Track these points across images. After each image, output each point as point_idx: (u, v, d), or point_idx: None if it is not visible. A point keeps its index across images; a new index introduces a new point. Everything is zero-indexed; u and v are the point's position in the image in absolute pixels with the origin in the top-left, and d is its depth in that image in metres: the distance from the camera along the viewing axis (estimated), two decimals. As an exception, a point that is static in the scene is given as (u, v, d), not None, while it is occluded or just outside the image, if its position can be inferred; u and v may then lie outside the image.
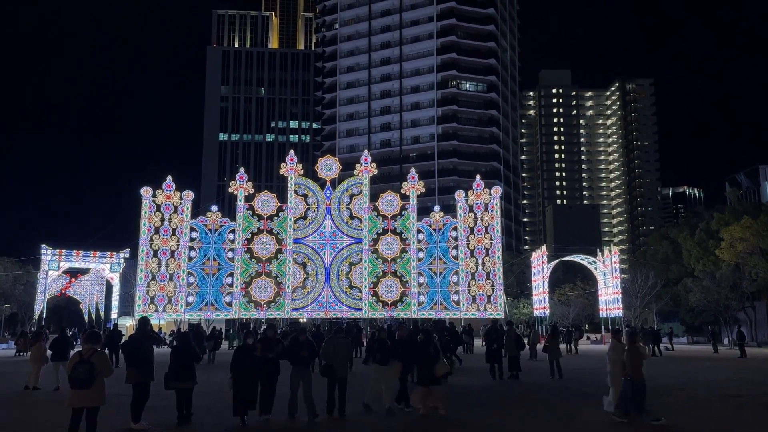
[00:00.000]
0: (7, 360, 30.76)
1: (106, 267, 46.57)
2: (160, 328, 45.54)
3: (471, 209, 39.99)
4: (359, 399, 12.89)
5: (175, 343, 13.43)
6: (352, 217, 40.94)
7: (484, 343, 22.67)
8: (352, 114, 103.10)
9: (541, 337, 34.50)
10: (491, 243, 38.97)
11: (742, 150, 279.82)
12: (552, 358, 20.23)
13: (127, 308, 50.38)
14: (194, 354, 11.77)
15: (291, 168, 41.19)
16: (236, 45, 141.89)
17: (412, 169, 43.41)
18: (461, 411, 13.25)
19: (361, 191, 41.15)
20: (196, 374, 11.46)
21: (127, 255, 46.45)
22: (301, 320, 46.17)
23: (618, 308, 42.70)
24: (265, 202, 40.92)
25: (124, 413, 11.18)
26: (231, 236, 39.72)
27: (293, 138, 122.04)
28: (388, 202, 41.09)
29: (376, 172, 42.19)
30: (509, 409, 13.77)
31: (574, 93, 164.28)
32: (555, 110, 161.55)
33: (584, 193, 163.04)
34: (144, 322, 11.52)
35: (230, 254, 39.49)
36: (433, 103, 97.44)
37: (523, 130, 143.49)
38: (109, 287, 50.07)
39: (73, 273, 51.20)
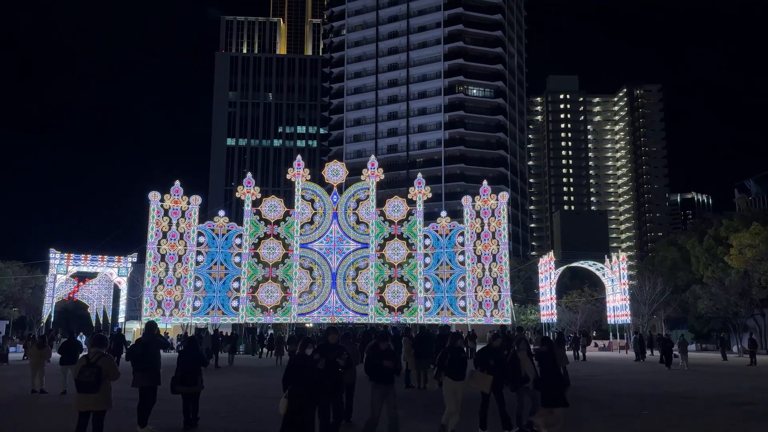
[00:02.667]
0: (16, 363, 30.89)
1: (113, 271, 46.75)
2: (167, 333, 45.65)
3: (478, 215, 39.90)
4: (364, 403, 12.85)
5: (181, 347, 13.38)
6: (358, 222, 40.95)
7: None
8: (359, 119, 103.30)
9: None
10: (498, 248, 38.86)
11: (751, 156, 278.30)
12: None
13: (134, 312, 50.48)
14: (200, 359, 11.79)
15: (298, 173, 41.28)
16: (244, 51, 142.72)
17: (419, 175, 43.39)
18: (468, 419, 13.18)
19: (367, 196, 41.17)
20: (203, 378, 11.47)
21: (134, 259, 46.63)
22: (307, 325, 46.19)
23: (626, 315, 42.46)
24: (272, 206, 41.00)
25: (131, 417, 11.20)
26: (238, 241, 39.80)
27: (300, 143, 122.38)
28: (395, 207, 41.08)
29: (383, 177, 42.19)
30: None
31: (581, 99, 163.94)
32: (562, 116, 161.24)
33: (592, 198, 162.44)
34: (151, 327, 11.55)
35: (237, 259, 39.56)
36: (440, 108, 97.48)
37: (530, 136, 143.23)
38: (116, 291, 50.25)
39: (81, 277, 51.42)
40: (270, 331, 44.79)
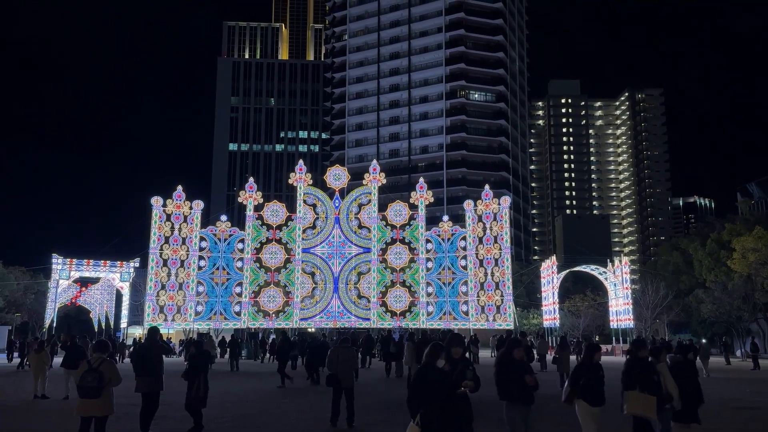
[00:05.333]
0: (18, 369, 30.89)
1: (116, 276, 46.77)
2: (169, 338, 45.64)
3: (480, 219, 39.89)
4: (367, 408, 12.83)
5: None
6: (360, 226, 40.96)
7: (494, 354, 22.57)
8: (360, 124, 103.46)
9: (550, 348, 34.22)
10: (500, 253, 38.83)
11: (754, 160, 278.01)
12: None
13: (136, 317, 50.49)
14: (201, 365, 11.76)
15: (300, 178, 41.32)
16: (246, 56, 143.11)
17: (421, 179, 43.43)
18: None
19: (369, 201, 41.19)
20: (205, 384, 11.43)
21: (137, 264, 46.66)
22: (309, 330, 46.15)
23: (629, 319, 42.35)
24: (274, 211, 41.04)
25: (134, 422, 11.19)
26: (240, 246, 39.83)
27: (302, 148, 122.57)
28: (397, 211, 41.08)
29: (384, 181, 42.23)
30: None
31: (583, 103, 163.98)
32: (564, 120, 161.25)
33: (594, 203, 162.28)
34: (153, 332, 11.55)
35: (239, 264, 39.58)
36: (441, 113, 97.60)
37: (532, 140, 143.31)
38: (119, 296, 50.26)
39: (84, 282, 51.42)
40: (272, 336, 44.77)
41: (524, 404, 8.04)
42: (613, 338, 48.88)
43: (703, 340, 34.27)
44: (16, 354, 40.14)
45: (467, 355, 9.59)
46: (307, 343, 24.56)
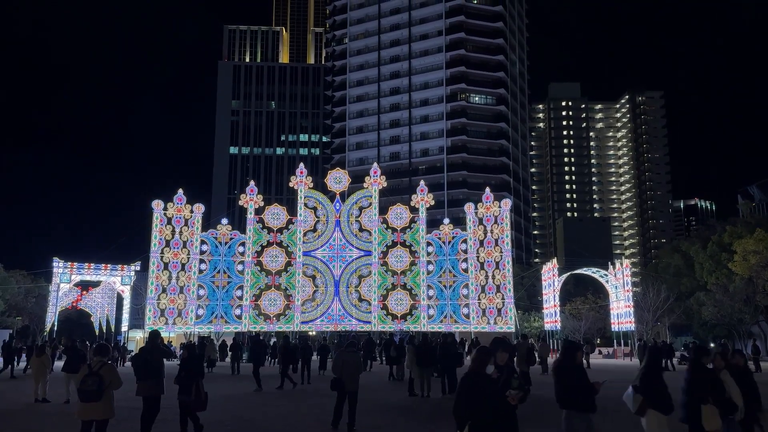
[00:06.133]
0: (19, 373, 30.86)
1: (117, 280, 46.78)
2: (170, 341, 45.57)
3: (480, 222, 39.87)
4: (368, 412, 12.81)
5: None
6: (361, 229, 40.94)
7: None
8: (361, 127, 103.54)
9: (552, 351, 34.18)
10: (501, 256, 38.80)
11: (754, 162, 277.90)
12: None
13: (137, 321, 50.45)
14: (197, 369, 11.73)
15: (301, 181, 41.33)
16: (247, 60, 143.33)
17: (422, 182, 43.40)
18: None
19: (370, 204, 41.18)
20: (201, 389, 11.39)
21: (138, 268, 46.66)
22: (310, 333, 46.10)
23: (630, 322, 42.27)
24: (275, 214, 41.04)
25: (134, 426, 11.18)
26: (241, 249, 39.81)
27: (303, 151, 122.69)
28: (398, 214, 41.07)
29: (385, 184, 42.22)
30: (520, 426, 13.60)
31: (583, 106, 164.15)
32: (564, 123, 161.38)
33: (595, 205, 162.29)
34: (155, 335, 11.53)
35: (240, 267, 39.56)
36: (442, 116, 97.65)
37: (532, 143, 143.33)
38: (119, 300, 50.25)
39: (85, 286, 51.45)
40: (273, 340, 44.73)
41: (587, 412, 7.42)
42: (615, 341, 48.82)
43: (711, 345, 34.17)
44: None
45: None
46: (280, 345, 24.77)
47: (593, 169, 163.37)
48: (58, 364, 23.96)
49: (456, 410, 6.23)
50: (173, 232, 38.60)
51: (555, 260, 46.88)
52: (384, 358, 29.79)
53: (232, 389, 20.93)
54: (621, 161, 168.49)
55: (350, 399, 12.01)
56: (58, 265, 44.27)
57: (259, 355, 22.81)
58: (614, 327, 45.20)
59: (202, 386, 11.26)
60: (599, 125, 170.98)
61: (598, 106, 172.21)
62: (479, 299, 38.61)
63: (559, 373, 7.65)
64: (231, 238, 39.96)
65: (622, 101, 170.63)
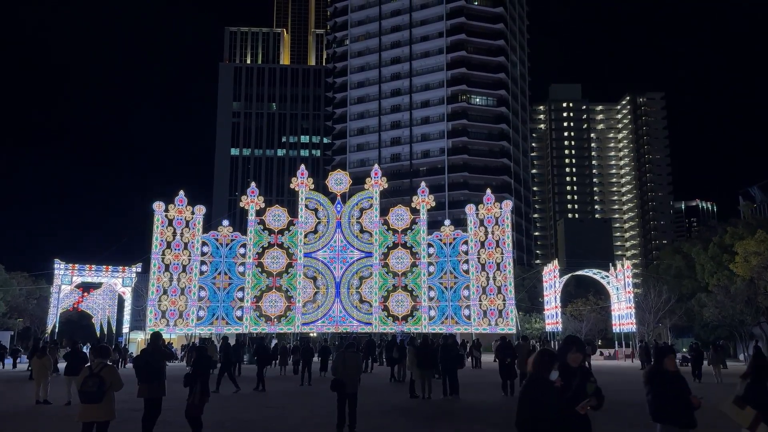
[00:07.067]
0: (21, 374, 30.91)
1: (118, 281, 46.78)
2: (171, 343, 45.58)
3: (481, 223, 39.86)
4: (369, 413, 12.81)
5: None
6: (362, 231, 40.95)
7: (496, 359, 22.49)
8: (362, 128, 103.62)
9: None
10: (502, 257, 38.78)
11: (756, 163, 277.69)
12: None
13: (138, 323, 50.47)
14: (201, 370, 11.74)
15: (302, 182, 41.36)
16: (248, 61, 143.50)
17: (423, 183, 43.39)
18: (474, 430, 13.12)
19: (371, 205, 41.19)
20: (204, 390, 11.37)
21: (139, 269, 46.65)
22: (311, 335, 46.11)
23: (631, 323, 42.26)
24: (276, 216, 41.06)
25: (136, 428, 11.18)
26: (242, 250, 39.82)
27: (304, 153, 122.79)
28: (399, 216, 41.07)
29: (386, 186, 42.23)
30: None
31: (584, 107, 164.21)
32: (565, 124, 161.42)
33: (596, 207, 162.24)
34: (156, 337, 11.53)
35: (241, 268, 39.57)
36: (443, 117, 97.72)
37: (533, 144, 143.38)
38: (121, 302, 50.24)
39: (86, 287, 51.46)
40: (274, 341, 44.72)
41: (687, 427, 6.61)
42: (616, 342, 48.80)
43: (720, 342, 34.00)
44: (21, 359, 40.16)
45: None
46: (256, 345, 24.94)
47: (594, 171, 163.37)
48: (61, 365, 23.96)
49: (518, 423, 5.50)
50: (174, 233, 38.62)
51: (556, 261, 46.86)
52: (385, 359, 29.77)
53: (232, 390, 20.93)
54: (622, 162, 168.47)
55: (350, 400, 12.00)
56: (59, 267, 44.28)
57: (263, 356, 22.86)
58: (615, 328, 45.18)
59: (202, 388, 11.22)
60: (600, 126, 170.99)
61: (599, 108, 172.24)
62: (480, 300, 38.60)
63: (652, 382, 6.95)
64: (232, 240, 39.97)
65: (623, 102, 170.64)
